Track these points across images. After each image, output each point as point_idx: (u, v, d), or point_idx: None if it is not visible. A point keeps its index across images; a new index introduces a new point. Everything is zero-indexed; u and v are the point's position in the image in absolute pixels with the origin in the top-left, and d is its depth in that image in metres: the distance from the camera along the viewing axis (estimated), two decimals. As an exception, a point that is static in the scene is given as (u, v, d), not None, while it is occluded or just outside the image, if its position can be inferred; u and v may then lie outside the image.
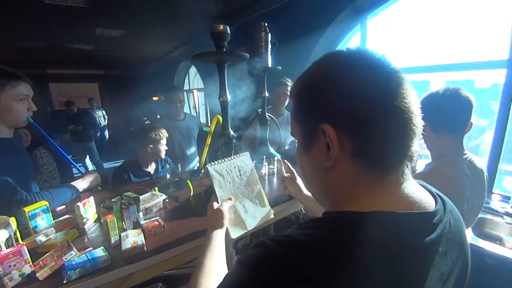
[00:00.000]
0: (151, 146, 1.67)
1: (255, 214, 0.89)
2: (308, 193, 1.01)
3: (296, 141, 0.50)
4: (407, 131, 0.38)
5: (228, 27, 0.94)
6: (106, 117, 6.60)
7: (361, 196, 0.41)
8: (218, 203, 0.83)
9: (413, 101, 0.39)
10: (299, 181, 1.05)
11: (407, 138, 0.38)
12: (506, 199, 1.73)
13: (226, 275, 0.42)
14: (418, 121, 0.39)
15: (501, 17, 1.95)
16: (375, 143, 0.38)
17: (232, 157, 0.91)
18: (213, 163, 0.86)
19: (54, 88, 7.82)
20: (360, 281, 0.32)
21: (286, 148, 1.97)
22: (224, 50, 0.96)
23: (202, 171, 1.47)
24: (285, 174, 1.09)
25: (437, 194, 0.44)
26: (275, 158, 1.47)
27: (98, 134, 6.23)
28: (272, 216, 0.93)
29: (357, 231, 0.35)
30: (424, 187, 0.45)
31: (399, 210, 0.37)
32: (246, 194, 0.91)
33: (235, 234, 0.82)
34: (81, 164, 4.92)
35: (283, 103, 2.24)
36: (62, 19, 3.71)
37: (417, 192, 0.41)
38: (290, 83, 2.20)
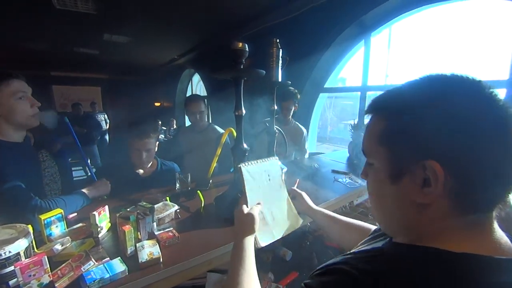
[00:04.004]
0: None
1: (283, 222, 0.86)
2: (318, 208, 1.03)
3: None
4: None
5: (246, 45, 0.98)
6: (108, 121, 6.61)
7: (449, 234, 0.39)
8: (247, 207, 0.78)
9: None
10: (305, 196, 1.05)
11: (510, 184, 0.37)
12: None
13: None
14: None
15: (502, 38, 2.02)
16: (482, 187, 0.36)
17: (262, 160, 0.87)
18: (246, 164, 0.82)
19: (57, 91, 7.86)
20: None
21: (292, 159, 2.00)
22: (242, 66, 0.99)
23: (210, 181, 1.48)
24: (294, 188, 1.11)
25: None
26: (283, 170, 1.49)
27: (99, 138, 6.23)
28: (300, 224, 0.90)
29: (449, 273, 0.35)
30: None
31: (493, 255, 0.36)
32: (274, 201, 0.87)
33: (264, 242, 0.78)
34: (81, 168, 4.91)
35: (288, 113, 2.31)
36: (71, 24, 3.78)
37: (503, 235, 0.40)
38: (295, 95, 2.28)
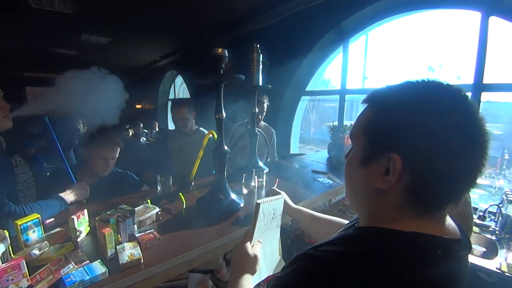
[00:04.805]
0: None
1: (271, 263, 0.85)
2: (296, 207, 1.08)
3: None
4: (471, 181, 0.41)
5: (226, 51, 1.01)
6: (85, 124, 6.38)
7: (402, 219, 0.44)
8: (250, 243, 0.75)
9: (488, 154, 0.40)
10: (285, 195, 1.09)
11: (467, 186, 0.41)
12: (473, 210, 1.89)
13: None
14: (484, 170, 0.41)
15: (468, 45, 2.19)
16: (434, 187, 0.41)
17: (275, 198, 0.85)
18: (265, 201, 0.79)
19: (31, 92, 7.48)
20: None
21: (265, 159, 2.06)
22: (221, 71, 1.03)
23: (193, 183, 1.50)
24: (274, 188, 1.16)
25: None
26: (264, 171, 1.53)
27: (76, 142, 6.00)
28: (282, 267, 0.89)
29: (397, 249, 0.40)
30: None
31: (439, 235, 0.41)
32: (269, 240, 0.85)
33: (253, 283, 0.74)
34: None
35: (262, 116, 2.38)
36: (47, 24, 3.65)
37: (452, 222, 0.46)
38: (266, 100, 2.33)
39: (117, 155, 1.55)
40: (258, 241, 0.78)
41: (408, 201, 0.43)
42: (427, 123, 0.39)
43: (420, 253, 0.39)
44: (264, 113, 2.40)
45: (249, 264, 0.71)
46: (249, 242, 0.75)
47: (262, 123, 2.50)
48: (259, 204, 0.76)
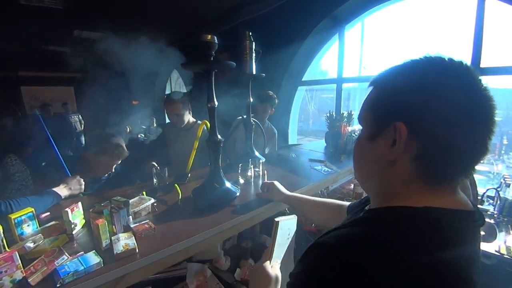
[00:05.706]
0: None
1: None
2: (291, 193, 1.08)
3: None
4: (480, 150, 0.40)
5: (215, 37, 0.99)
6: (82, 122, 6.36)
7: (413, 192, 0.43)
8: (270, 263, 0.71)
9: (495, 126, 0.40)
10: (278, 184, 1.11)
11: (476, 160, 0.41)
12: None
13: None
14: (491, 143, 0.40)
15: (465, 29, 2.16)
16: (442, 156, 0.40)
17: (291, 217, 0.81)
18: (283, 218, 0.76)
19: (26, 92, 7.42)
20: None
21: (266, 152, 2.06)
22: (212, 58, 1.01)
23: (189, 175, 1.49)
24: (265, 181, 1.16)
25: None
26: (260, 161, 1.53)
27: (75, 139, 5.99)
28: None
29: (402, 226, 0.39)
30: None
31: (451, 207, 0.41)
32: (283, 261, 0.79)
33: None
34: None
35: (263, 116, 2.35)
36: (37, 20, 3.58)
37: (462, 194, 0.45)
38: (273, 99, 2.32)
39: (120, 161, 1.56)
40: (277, 261, 0.74)
41: (418, 172, 0.42)
42: (428, 90, 0.40)
43: (429, 229, 0.38)
44: (270, 112, 2.38)
45: (271, 286, 0.67)
46: (268, 262, 0.71)
47: (267, 122, 2.46)
48: (278, 222, 0.73)
